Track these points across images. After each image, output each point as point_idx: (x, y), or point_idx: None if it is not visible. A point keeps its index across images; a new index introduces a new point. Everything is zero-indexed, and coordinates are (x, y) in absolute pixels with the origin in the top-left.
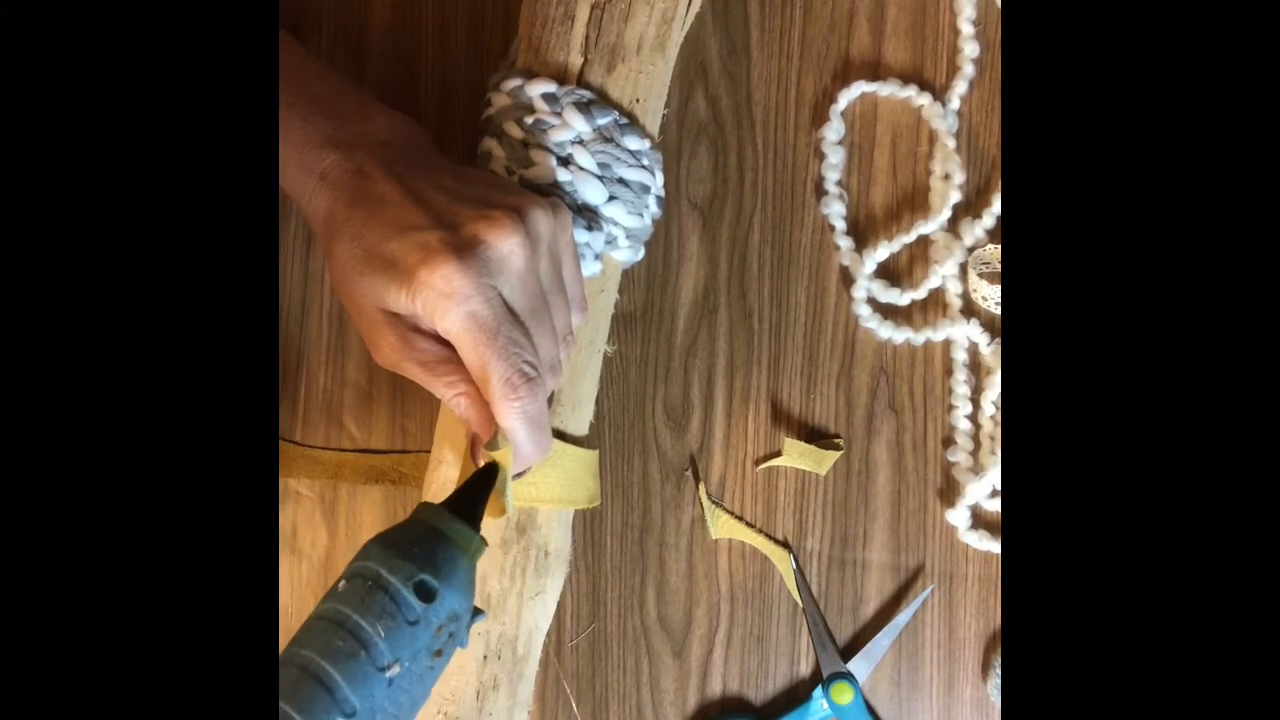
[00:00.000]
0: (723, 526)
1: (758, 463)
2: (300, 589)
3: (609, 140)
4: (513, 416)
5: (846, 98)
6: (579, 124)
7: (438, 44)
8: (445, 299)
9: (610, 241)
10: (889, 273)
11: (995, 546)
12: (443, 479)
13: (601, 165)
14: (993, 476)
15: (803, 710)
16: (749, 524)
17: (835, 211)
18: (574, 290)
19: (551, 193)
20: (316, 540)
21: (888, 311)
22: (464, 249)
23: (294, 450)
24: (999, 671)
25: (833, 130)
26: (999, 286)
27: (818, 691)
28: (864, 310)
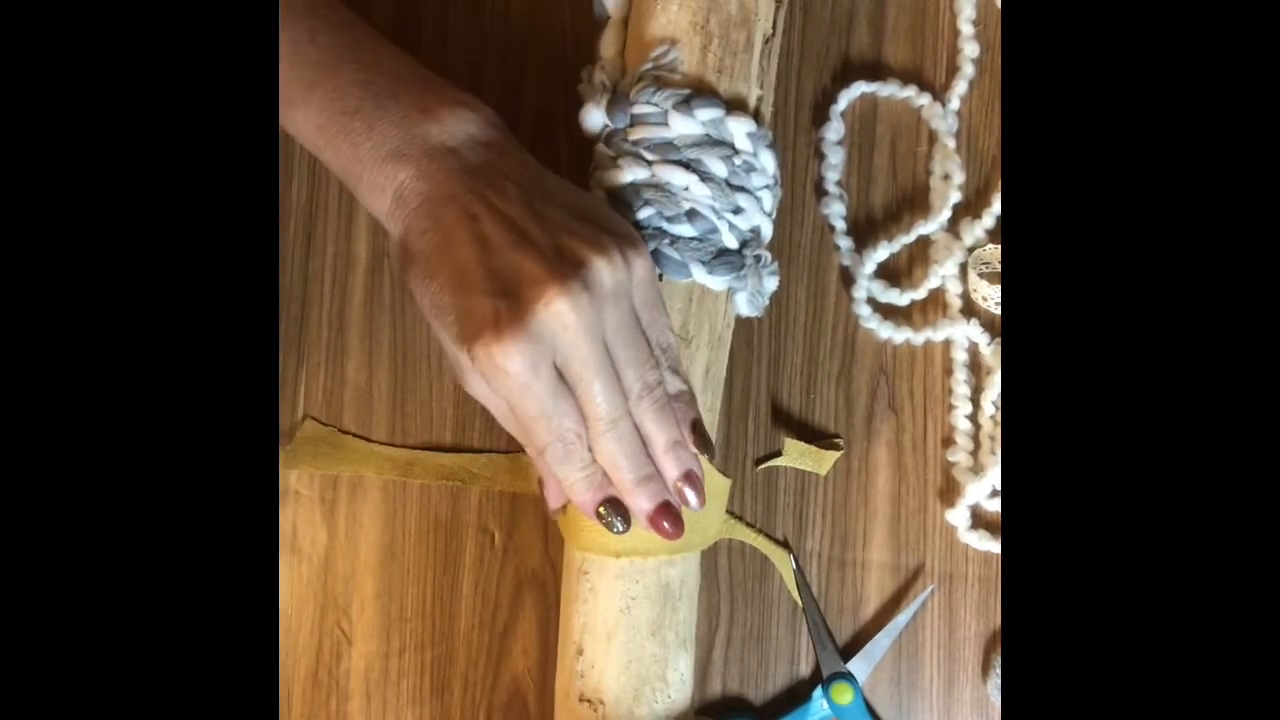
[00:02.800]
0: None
1: (758, 463)
2: (300, 589)
3: (778, 184)
4: (556, 472)
5: (846, 98)
6: (771, 167)
7: (438, 43)
8: (497, 376)
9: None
10: (889, 273)
11: (995, 546)
12: None
13: (774, 207)
14: (993, 476)
15: (803, 710)
16: (749, 524)
17: (835, 212)
18: (655, 333)
19: (747, 238)
20: (316, 540)
21: (888, 311)
22: (516, 326)
23: (365, 447)
24: (999, 671)
25: (833, 130)
26: (999, 286)
27: (818, 691)
28: (864, 310)
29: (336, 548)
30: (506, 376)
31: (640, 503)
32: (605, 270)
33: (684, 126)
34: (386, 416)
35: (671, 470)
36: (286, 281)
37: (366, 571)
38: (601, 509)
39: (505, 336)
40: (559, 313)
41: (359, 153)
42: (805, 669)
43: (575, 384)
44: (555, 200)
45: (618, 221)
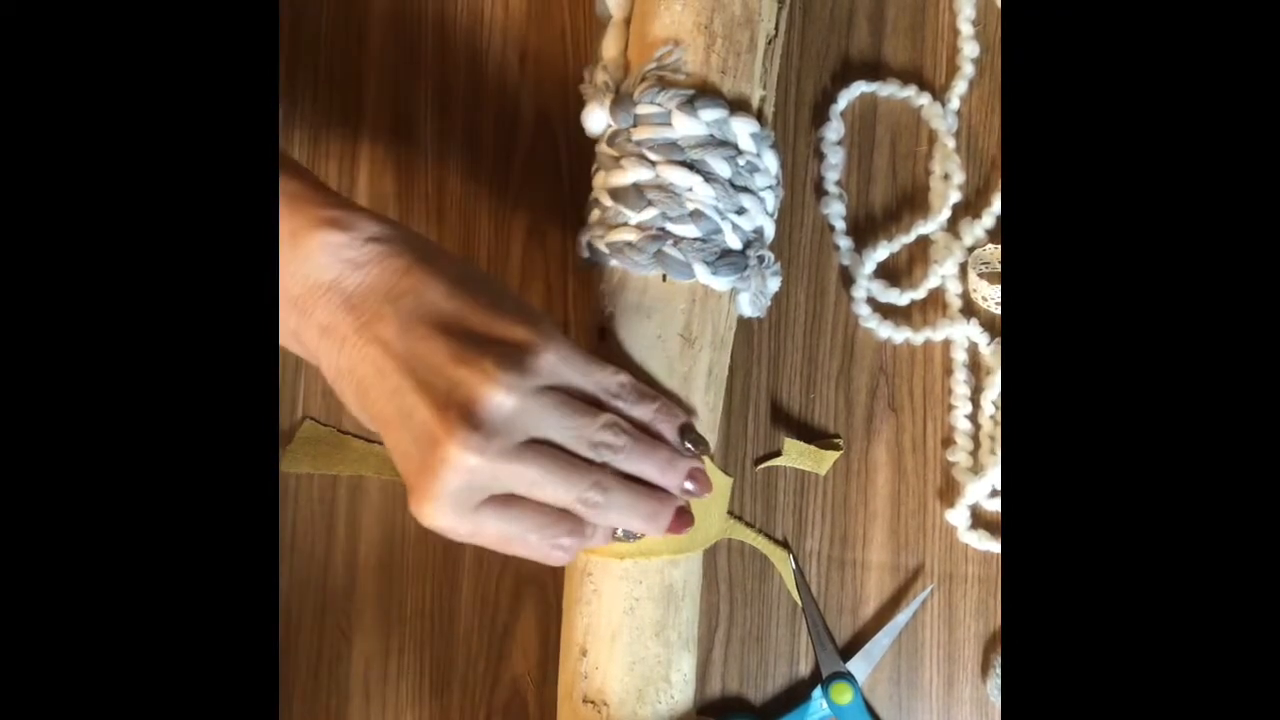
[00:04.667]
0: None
1: (758, 463)
2: (300, 589)
3: (780, 184)
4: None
5: (846, 98)
6: (774, 168)
7: (437, 44)
8: (442, 533)
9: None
10: (889, 273)
11: (995, 546)
12: None
13: (777, 207)
14: (993, 476)
15: (802, 710)
16: (749, 524)
17: (835, 211)
18: (599, 388)
19: (750, 239)
20: (316, 540)
21: (887, 311)
22: (426, 492)
23: (365, 447)
24: (999, 671)
25: (832, 130)
26: (999, 286)
27: (817, 691)
28: (864, 310)
29: (336, 548)
30: (445, 533)
31: (657, 530)
32: (499, 399)
33: (688, 127)
34: None
35: (673, 483)
36: None
37: (366, 571)
38: (613, 536)
39: (425, 501)
40: (461, 467)
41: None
42: (805, 669)
43: (530, 496)
44: (437, 316)
45: (510, 313)
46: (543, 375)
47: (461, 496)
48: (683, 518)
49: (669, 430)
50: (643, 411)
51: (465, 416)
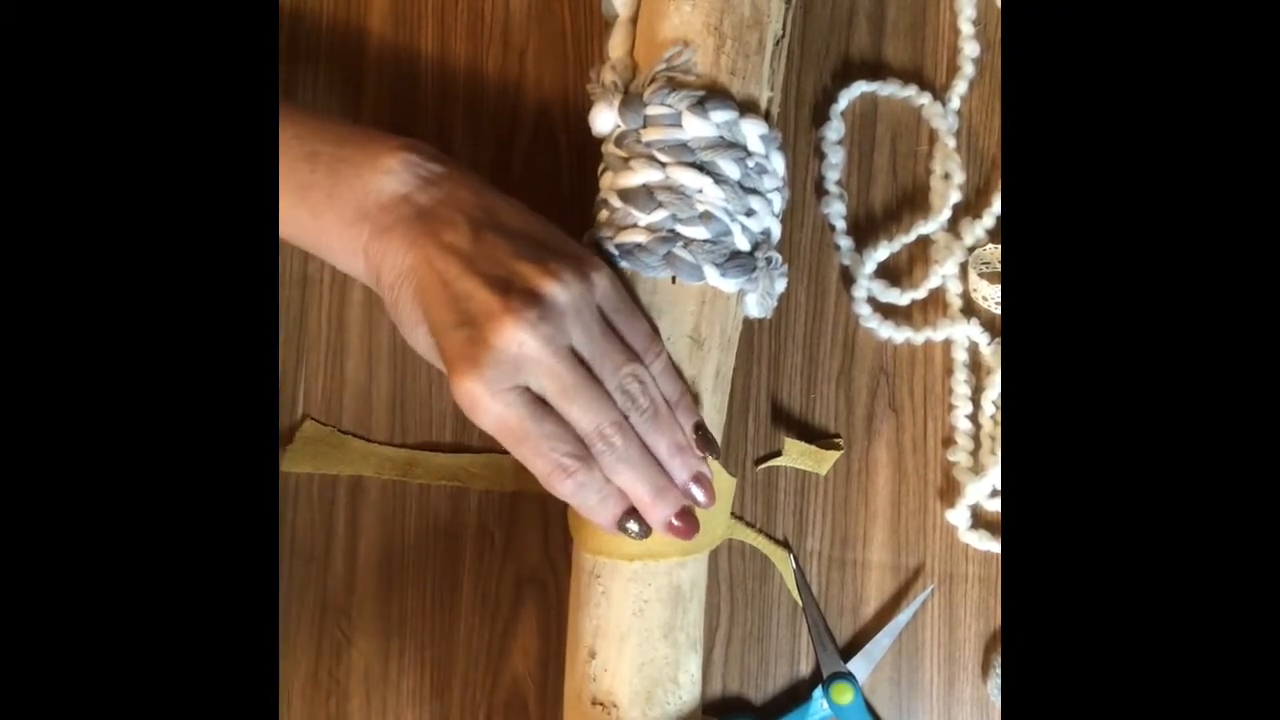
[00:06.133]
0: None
1: (758, 463)
2: (300, 589)
3: (787, 185)
4: (570, 500)
5: (846, 97)
6: (781, 169)
7: (437, 43)
8: (471, 409)
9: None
10: (889, 272)
11: (995, 546)
12: None
13: (783, 209)
14: (993, 476)
15: (803, 710)
16: (749, 524)
17: (835, 211)
18: (637, 340)
19: (758, 240)
20: (316, 540)
21: (888, 311)
22: (475, 359)
23: (365, 447)
24: (999, 671)
25: (833, 130)
26: (999, 286)
27: (818, 691)
28: (864, 310)
29: (336, 548)
30: (475, 408)
31: (659, 515)
32: (556, 290)
33: (698, 128)
34: (386, 416)
35: (680, 474)
36: (286, 281)
37: (366, 571)
38: (622, 522)
39: (469, 370)
40: (513, 339)
41: (324, 224)
42: (805, 669)
43: (558, 406)
44: (506, 228)
45: (570, 243)
46: (597, 291)
47: (503, 372)
48: (688, 520)
49: (686, 421)
50: (668, 388)
51: (525, 296)
